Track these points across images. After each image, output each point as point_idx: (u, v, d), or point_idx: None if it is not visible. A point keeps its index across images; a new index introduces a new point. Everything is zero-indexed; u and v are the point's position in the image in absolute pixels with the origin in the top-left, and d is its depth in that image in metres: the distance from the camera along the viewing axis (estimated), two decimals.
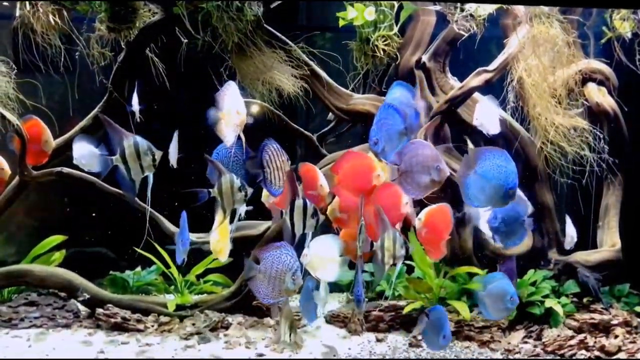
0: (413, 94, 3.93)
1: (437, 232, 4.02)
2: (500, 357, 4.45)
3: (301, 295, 4.02)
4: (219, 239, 4.31)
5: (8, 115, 4.76)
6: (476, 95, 5.24)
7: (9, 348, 4.40)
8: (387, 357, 4.38)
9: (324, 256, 3.96)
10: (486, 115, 4.85)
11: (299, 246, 3.93)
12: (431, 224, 4.04)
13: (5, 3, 4.93)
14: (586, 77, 5.31)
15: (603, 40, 5.41)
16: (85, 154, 4.41)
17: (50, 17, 4.57)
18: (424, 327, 3.82)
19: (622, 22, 5.12)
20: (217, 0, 4.63)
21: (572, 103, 5.24)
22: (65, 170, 4.97)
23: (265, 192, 4.48)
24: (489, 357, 4.44)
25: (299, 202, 3.85)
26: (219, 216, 3.95)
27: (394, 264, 3.71)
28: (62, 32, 4.77)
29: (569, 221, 5.19)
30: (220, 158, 4.09)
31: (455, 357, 4.41)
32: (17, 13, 4.69)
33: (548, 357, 4.43)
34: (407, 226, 4.55)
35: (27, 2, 4.51)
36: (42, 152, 4.80)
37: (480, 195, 3.66)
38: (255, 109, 5.48)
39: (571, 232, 5.13)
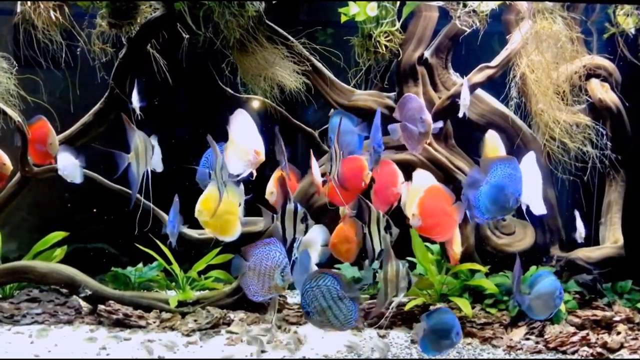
0: (354, 122, 4.06)
1: (435, 214, 4.01)
2: (502, 353, 4.45)
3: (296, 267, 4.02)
4: (206, 209, 4.28)
5: (9, 111, 4.77)
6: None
7: (11, 344, 4.41)
8: (390, 356, 4.39)
9: (307, 241, 4.06)
10: (463, 98, 4.88)
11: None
12: (427, 210, 4.03)
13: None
14: (590, 73, 5.30)
15: (606, 35, 5.40)
16: (68, 165, 4.56)
17: (52, 12, 4.55)
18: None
19: (625, 18, 5.10)
20: None
21: (575, 99, 5.22)
22: None
23: (268, 189, 4.49)
24: (490, 354, 4.44)
25: (290, 207, 3.84)
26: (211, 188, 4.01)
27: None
28: (63, 27, 4.75)
29: (578, 217, 5.17)
30: (210, 163, 4.07)
31: (458, 355, 4.41)
32: (18, 9, 4.67)
33: (550, 354, 4.42)
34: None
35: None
36: (47, 154, 4.84)
37: (493, 206, 3.65)
38: (256, 104, 5.49)
39: (580, 228, 5.11)
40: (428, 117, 3.99)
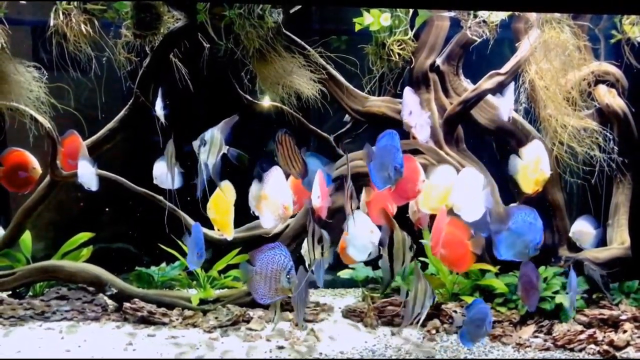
0: (324, 162, 4.31)
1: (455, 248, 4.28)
2: (511, 350, 4.58)
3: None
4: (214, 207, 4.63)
5: (40, 118, 4.99)
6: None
7: (43, 339, 4.62)
8: (398, 355, 4.54)
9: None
10: (505, 100, 5.06)
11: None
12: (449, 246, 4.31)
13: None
14: (598, 79, 5.41)
15: (613, 41, 5.52)
16: (86, 173, 4.77)
17: (82, 26, 4.78)
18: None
19: (631, 27, 5.22)
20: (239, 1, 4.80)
21: (583, 104, 5.35)
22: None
23: None
24: (500, 352, 4.58)
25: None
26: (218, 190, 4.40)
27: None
28: (92, 40, 4.97)
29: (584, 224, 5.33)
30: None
31: (468, 352, 4.54)
32: (51, 22, 4.90)
33: (558, 351, 4.54)
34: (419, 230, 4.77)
35: (60, 12, 4.73)
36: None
37: (510, 250, 4.03)
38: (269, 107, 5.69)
39: (576, 230, 5.28)
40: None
